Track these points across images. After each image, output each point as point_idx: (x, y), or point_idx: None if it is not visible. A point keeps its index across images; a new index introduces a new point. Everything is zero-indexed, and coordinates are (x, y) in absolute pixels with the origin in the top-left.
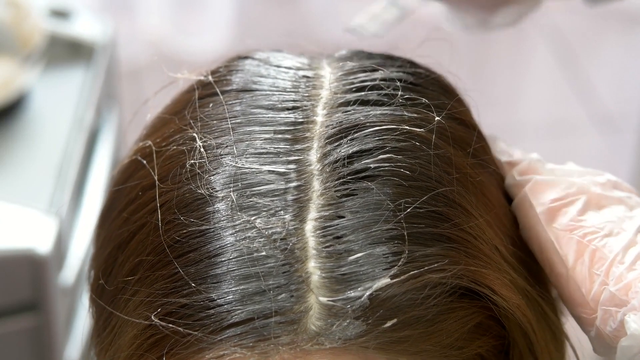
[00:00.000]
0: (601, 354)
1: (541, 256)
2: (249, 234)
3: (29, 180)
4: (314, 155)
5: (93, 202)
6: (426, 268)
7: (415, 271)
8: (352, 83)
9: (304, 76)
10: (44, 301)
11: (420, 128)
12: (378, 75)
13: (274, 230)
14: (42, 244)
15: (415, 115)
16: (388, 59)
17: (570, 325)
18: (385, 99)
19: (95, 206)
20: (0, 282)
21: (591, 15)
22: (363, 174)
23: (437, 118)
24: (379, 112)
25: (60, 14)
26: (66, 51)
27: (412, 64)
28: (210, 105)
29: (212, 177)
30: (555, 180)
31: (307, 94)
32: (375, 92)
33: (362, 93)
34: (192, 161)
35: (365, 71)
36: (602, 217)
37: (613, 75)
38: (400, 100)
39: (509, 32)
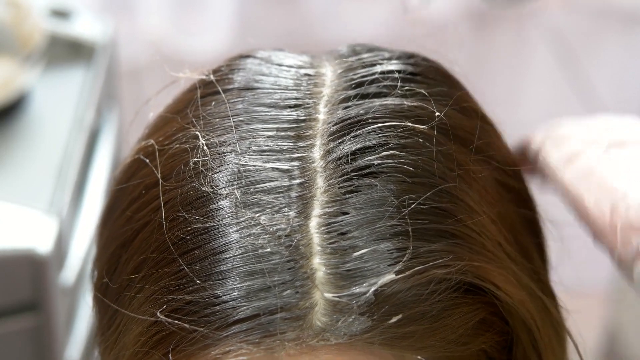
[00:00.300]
0: (631, 280)
1: (566, 199)
2: (254, 231)
3: (29, 180)
4: (317, 153)
5: (93, 202)
6: (431, 264)
7: (420, 267)
8: (352, 79)
9: (306, 74)
10: (44, 301)
11: (423, 121)
12: (377, 69)
13: (278, 227)
14: (43, 244)
15: (416, 105)
16: (387, 51)
17: (572, 321)
18: (385, 91)
19: (96, 206)
20: (0, 282)
21: (591, 15)
22: (366, 171)
23: (437, 114)
24: (377, 104)
25: (60, 14)
26: (66, 51)
27: (412, 55)
28: (213, 103)
29: (215, 175)
30: (565, 138)
31: (308, 92)
32: (375, 85)
33: (362, 88)
34: (196, 159)
35: (364, 66)
36: (617, 157)
37: (613, 75)
38: (400, 92)
39: (509, 32)
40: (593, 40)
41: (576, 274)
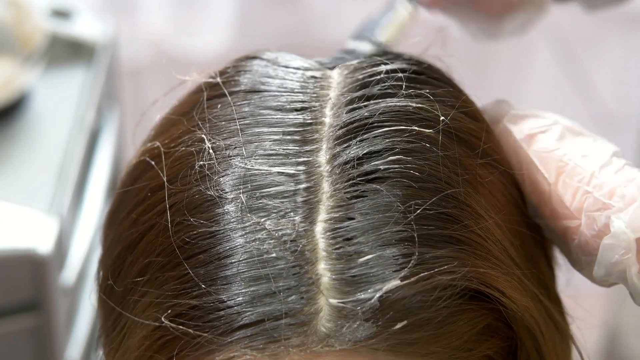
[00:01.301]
0: (581, 267)
1: (522, 177)
2: (259, 236)
3: (29, 180)
4: (323, 157)
5: (94, 202)
6: (436, 270)
7: (425, 273)
8: (357, 80)
9: (312, 77)
10: (44, 301)
11: (429, 125)
12: (382, 68)
13: (284, 232)
14: (43, 244)
15: (421, 107)
16: (393, 53)
17: (573, 322)
18: (390, 91)
19: (96, 206)
20: (0, 282)
21: (591, 15)
22: (372, 176)
23: (441, 118)
24: (383, 105)
25: (61, 14)
26: (67, 51)
27: (418, 60)
28: (219, 106)
29: (221, 179)
30: (529, 113)
31: (315, 95)
32: (379, 85)
33: (367, 89)
34: (201, 162)
35: (370, 67)
36: (578, 142)
37: (614, 75)
38: (405, 92)
39: None
40: (593, 40)
41: (576, 274)
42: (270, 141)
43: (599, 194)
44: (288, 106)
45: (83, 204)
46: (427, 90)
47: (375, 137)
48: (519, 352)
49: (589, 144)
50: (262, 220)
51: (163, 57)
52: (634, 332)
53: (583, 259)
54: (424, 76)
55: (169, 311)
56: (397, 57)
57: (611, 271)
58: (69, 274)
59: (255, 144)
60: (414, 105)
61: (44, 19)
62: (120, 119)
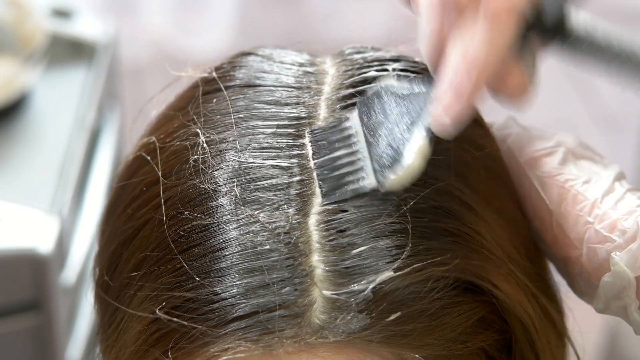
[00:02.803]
0: (582, 293)
1: (525, 203)
2: (253, 228)
3: (30, 180)
4: None
5: (94, 201)
6: (429, 261)
7: (419, 264)
8: (352, 76)
9: (307, 72)
10: (45, 301)
11: None
12: (378, 67)
13: (277, 224)
14: (44, 244)
15: None
16: (390, 52)
17: (573, 321)
18: None
19: (97, 206)
20: (1, 281)
21: (592, 14)
22: None
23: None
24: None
25: (62, 14)
26: (68, 51)
27: (414, 60)
28: (214, 100)
29: (215, 172)
30: (535, 134)
31: (309, 90)
32: (374, 83)
33: (361, 87)
34: (196, 156)
35: (365, 65)
36: (580, 167)
37: None
38: None
39: None
40: None
41: None
42: (264, 135)
43: (599, 226)
44: (282, 101)
45: (84, 203)
46: (424, 89)
47: None
48: (513, 347)
49: (591, 167)
50: (256, 212)
51: (163, 56)
52: (634, 333)
53: (583, 287)
54: (420, 75)
55: (164, 304)
56: (394, 57)
57: (611, 306)
58: (69, 273)
59: (249, 137)
60: None
61: (45, 19)
62: (121, 118)
